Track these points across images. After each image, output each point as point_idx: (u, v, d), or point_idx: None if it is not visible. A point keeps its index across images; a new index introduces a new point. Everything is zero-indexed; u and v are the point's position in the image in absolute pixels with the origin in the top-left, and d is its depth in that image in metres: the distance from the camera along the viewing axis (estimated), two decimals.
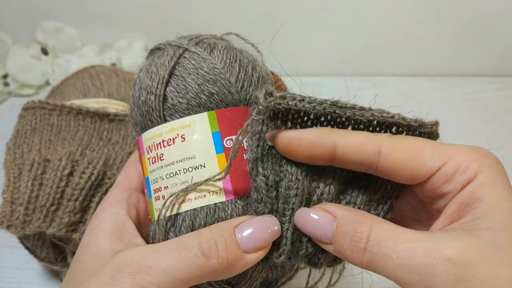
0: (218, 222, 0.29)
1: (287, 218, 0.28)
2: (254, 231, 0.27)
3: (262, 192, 0.28)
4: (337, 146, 0.25)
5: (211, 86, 0.31)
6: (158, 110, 0.31)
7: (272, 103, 0.26)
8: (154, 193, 0.31)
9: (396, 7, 0.70)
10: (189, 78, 0.31)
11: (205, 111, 0.31)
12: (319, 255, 0.28)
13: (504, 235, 0.22)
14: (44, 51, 0.72)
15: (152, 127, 0.32)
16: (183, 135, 0.31)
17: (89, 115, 0.48)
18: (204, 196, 0.30)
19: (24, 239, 0.43)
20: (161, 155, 0.31)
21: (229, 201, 0.30)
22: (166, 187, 0.31)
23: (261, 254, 0.27)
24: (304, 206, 0.28)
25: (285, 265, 0.31)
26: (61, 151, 0.44)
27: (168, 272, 0.24)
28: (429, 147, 0.25)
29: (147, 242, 0.30)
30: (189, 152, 0.31)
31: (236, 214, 0.29)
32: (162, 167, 0.31)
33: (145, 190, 0.33)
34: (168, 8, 0.70)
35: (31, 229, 0.40)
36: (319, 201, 0.27)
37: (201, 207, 0.29)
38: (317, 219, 0.26)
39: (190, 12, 0.70)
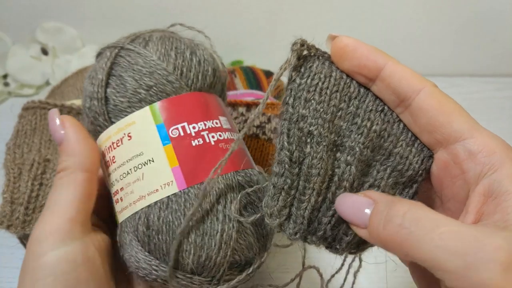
0: (172, 215, 0.29)
1: (307, 197, 0.27)
2: (50, 129, 0.32)
3: (285, 167, 0.27)
4: (386, 68, 0.26)
5: (148, 79, 0.31)
6: (103, 113, 0.31)
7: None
8: (114, 196, 0.31)
9: (396, 7, 0.70)
10: (126, 75, 0.31)
11: (147, 105, 0.31)
12: (341, 240, 0.27)
13: None
14: (44, 51, 0.72)
15: (101, 132, 0.32)
16: (129, 133, 0.31)
17: None
18: (156, 190, 0.30)
19: (24, 239, 0.43)
20: (113, 158, 0.31)
21: (182, 191, 0.29)
22: (121, 189, 0.31)
23: (69, 126, 0.31)
24: (326, 186, 0.27)
25: (253, 246, 0.31)
26: None
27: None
28: (462, 113, 0.25)
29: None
30: (137, 149, 0.31)
31: (189, 205, 0.29)
32: (115, 169, 0.31)
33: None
34: (168, 8, 0.70)
35: (31, 229, 0.40)
36: (340, 181, 0.27)
37: (155, 203, 0.29)
38: (357, 203, 0.25)
39: (190, 12, 0.70)
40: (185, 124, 0.31)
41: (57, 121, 0.31)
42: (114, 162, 0.31)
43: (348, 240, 0.27)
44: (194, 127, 0.32)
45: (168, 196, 0.29)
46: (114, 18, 0.72)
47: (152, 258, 0.29)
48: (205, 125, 0.32)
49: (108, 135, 0.32)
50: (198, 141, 0.31)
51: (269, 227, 0.31)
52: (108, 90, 0.31)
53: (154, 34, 0.35)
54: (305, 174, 0.27)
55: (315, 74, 0.28)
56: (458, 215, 0.25)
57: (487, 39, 0.73)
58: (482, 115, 0.67)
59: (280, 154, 0.27)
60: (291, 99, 0.27)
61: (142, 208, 0.29)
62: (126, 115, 0.31)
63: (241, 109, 0.51)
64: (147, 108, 0.31)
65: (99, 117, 0.32)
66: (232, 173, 0.31)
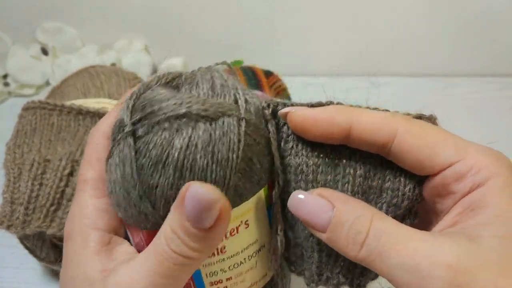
0: None
1: (309, 254, 0.27)
2: (191, 211, 0.23)
3: (284, 230, 0.28)
4: (352, 126, 0.24)
5: (267, 159, 0.26)
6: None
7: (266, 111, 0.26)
8: (211, 286, 0.27)
9: (396, 7, 0.70)
10: (254, 158, 0.25)
11: (260, 188, 0.26)
12: (359, 278, 0.27)
13: (506, 245, 0.21)
14: (44, 51, 0.72)
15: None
16: (247, 221, 0.26)
17: (89, 115, 0.48)
18: (266, 274, 0.29)
19: (24, 239, 0.43)
20: (223, 248, 0.26)
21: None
22: (229, 279, 0.27)
23: (222, 227, 0.23)
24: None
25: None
26: (61, 151, 0.44)
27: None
28: (446, 139, 0.24)
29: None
30: (252, 237, 0.27)
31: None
32: (223, 259, 0.27)
33: (189, 282, 0.27)
34: (168, 8, 0.70)
35: (31, 229, 0.40)
36: None
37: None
38: (312, 204, 0.24)
39: (190, 12, 0.70)
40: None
41: (216, 210, 0.22)
42: (223, 253, 0.26)
43: (366, 277, 0.27)
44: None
45: (272, 278, 0.29)
46: (114, 18, 0.72)
47: None
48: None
49: None
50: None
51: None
52: (236, 175, 0.24)
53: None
54: (302, 234, 0.27)
55: (288, 136, 0.27)
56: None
57: (487, 39, 0.73)
58: (482, 115, 0.68)
59: (281, 218, 0.28)
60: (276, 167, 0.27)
61: None
62: (241, 203, 0.26)
63: None
64: (261, 191, 0.27)
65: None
66: None
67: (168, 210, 0.23)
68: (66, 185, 0.41)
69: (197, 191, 0.21)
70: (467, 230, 0.22)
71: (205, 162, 0.23)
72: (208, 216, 0.22)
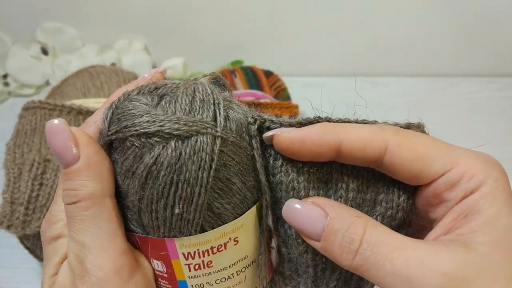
0: None
1: (304, 269, 0.27)
2: (53, 149, 0.25)
3: (279, 247, 0.28)
4: (342, 144, 0.24)
5: (252, 179, 0.27)
6: (196, 221, 0.25)
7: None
8: None
9: (396, 7, 0.70)
10: (235, 178, 0.25)
11: (252, 205, 0.27)
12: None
13: (500, 251, 0.21)
14: (44, 51, 0.72)
15: (186, 235, 0.26)
16: (236, 237, 0.27)
17: (89, 115, 0.48)
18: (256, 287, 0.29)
19: (24, 239, 0.43)
20: (209, 262, 0.26)
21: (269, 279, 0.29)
22: None
23: (84, 150, 0.24)
24: (320, 256, 0.26)
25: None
26: None
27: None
28: (437, 148, 0.24)
29: None
30: (242, 253, 0.27)
31: None
32: (210, 273, 0.27)
33: None
34: (168, 8, 0.70)
35: (31, 229, 0.40)
36: None
37: None
38: (306, 212, 0.24)
39: (190, 12, 0.70)
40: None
41: (68, 137, 0.24)
42: (209, 267, 0.27)
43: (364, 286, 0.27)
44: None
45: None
46: (114, 18, 0.72)
47: None
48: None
49: (207, 239, 0.26)
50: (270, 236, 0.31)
51: None
52: (212, 195, 0.25)
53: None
54: (296, 250, 0.27)
55: (276, 154, 0.26)
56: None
57: (487, 39, 0.73)
58: (482, 115, 0.68)
59: (274, 235, 0.28)
60: (263, 184, 0.26)
61: None
62: (227, 222, 0.26)
63: None
64: (253, 208, 0.27)
65: (188, 223, 0.25)
66: None
67: (138, 216, 0.25)
68: None
69: (47, 125, 0.24)
70: (462, 237, 0.22)
71: (169, 178, 0.23)
72: (62, 145, 0.24)
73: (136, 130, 0.24)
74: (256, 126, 0.26)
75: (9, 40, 0.72)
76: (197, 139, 0.24)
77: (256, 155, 0.26)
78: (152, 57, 0.75)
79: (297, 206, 0.25)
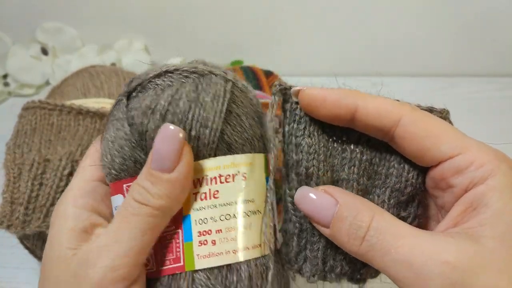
0: (275, 284, 0.27)
1: (316, 238, 0.27)
2: (157, 149, 0.25)
3: (290, 212, 0.28)
4: (358, 109, 0.25)
5: (259, 128, 0.29)
6: (211, 145, 0.27)
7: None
8: (199, 236, 0.26)
9: (396, 7, 0.70)
10: (244, 117, 0.28)
11: (257, 153, 0.28)
12: (360, 270, 0.27)
13: (505, 246, 0.21)
14: (44, 51, 0.72)
15: (197, 159, 0.27)
16: (245, 173, 0.27)
17: (89, 115, 0.48)
18: (260, 245, 0.27)
19: (24, 239, 0.43)
20: (216, 192, 0.27)
21: (271, 256, 0.28)
22: (219, 231, 0.26)
23: (184, 166, 0.25)
24: None
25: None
26: (61, 151, 0.44)
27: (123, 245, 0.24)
28: (449, 133, 0.24)
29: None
30: (250, 194, 0.27)
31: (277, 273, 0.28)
32: (215, 206, 0.27)
33: (177, 230, 0.27)
34: (168, 8, 0.70)
35: (31, 229, 0.40)
36: None
37: (255, 260, 0.27)
38: (318, 200, 0.25)
39: (190, 12, 0.70)
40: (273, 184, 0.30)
41: (179, 149, 0.25)
42: (215, 197, 0.27)
43: (367, 270, 0.27)
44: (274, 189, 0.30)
45: (265, 256, 0.27)
46: (114, 18, 0.72)
47: None
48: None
49: (217, 165, 0.27)
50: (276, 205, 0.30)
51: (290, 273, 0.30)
52: (225, 125, 0.27)
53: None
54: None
55: (300, 118, 0.27)
56: None
57: (487, 39, 0.73)
58: (482, 115, 0.68)
59: (285, 200, 0.28)
60: (284, 146, 0.28)
61: (240, 262, 0.26)
62: (231, 153, 0.27)
63: None
64: (262, 155, 0.28)
65: (203, 147, 0.26)
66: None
67: None
68: (66, 185, 0.41)
69: (164, 127, 0.25)
70: (469, 230, 0.22)
71: (187, 105, 0.26)
72: (169, 151, 0.24)
73: (156, 72, 0.27)
74: (279, 87, 0.28)
75: (9, 40, 0.72)
76: (211, 76, 0.28)
77: (270, 107, 0.27)
78: (152, 57, 0.75)
79: (310, 194, 0.26)
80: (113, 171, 0.27)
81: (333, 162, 0.27)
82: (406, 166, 0.26)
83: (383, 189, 0.27)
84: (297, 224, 0.28)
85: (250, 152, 0.28)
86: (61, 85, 0.57)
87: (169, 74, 0.27)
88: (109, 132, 0.28)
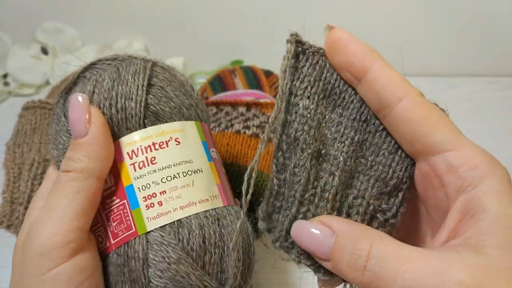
0: (224, 229, 0.29)
1: (289, 205, 0.27)
2: (70, 118, 0.28)
3: (273, 173, 0.27)
4: (372, 70, 0.25)
5: (187, 98, 0.32)
6: (138, 115, 0.30)
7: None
8: (145, 201, 0.28)
9: (396, 7, 0.70)
10: (168, 89, 0.31)
11: (188, 121, 0.31)
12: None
13: (509, 254, 0.20)
14: (44, 51, 0.72)
15: (129, 132, 0.30)
16: (177, 138, 0.30)
17: None
18: (207, 200, 0.30)
19: None
20: (153, 159, 0.29)
21: (225, 207, 0.31)
22: (163, 192, 0.29)
23: (97, 125, 0.28)
24: (309, 197, 0.26)
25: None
26: None
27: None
28: (447, 125, 0.24)
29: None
30: (186, 156, 0.30)
31: (232, 221, 0.30)
32: (155, 171, 0.29)
33: (123, 201, 0.29)
34: (168, 8, 0.70)
35: None
36: (323, 192, 0.26)
37: (204, 213, 0.29)
38: (314, 233, 0.24)
39: (190, 12, 0.70)
40: (215, 150, 0.33)
41: (85, 112, 0.28)
42: (153, 163, 0.29)
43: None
44: (218, 155, 0.33)
45: (215, 209, 0.30)
46: (114, 18, 0.72)
47: (204, 274, 0.28)
48: (217, 154, 0.34)
49: (148, 135, 0.29)
50: (222, 168, 0.33)
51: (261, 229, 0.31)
52: (148, 96, 0.30)
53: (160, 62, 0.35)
54: (288, 181, 0.27)
55: (305, 76, 0.27)
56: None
57: (487, 39, 0.73)
58: (482, 115, 0.68)
59: (274, 156, 0.27)
60: (282, 104, 0.27)
61: (189, 217, 0.28)
62: (160, 123, 0.30)
63: (241, 109, 0.51)
64: (192, 122, 0.32)
65: (131, 118, 0.30)
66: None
67: None
68: None
69: (70, 97, 0.28)
70: (471, 240, 0.21)
71: (110, 84, 0.30)
72: (77, 116, 0.27)
73: (83, 67, 0.32)
74: (296, 39, 0.28)
75: (9, 40, 0.72)
76: (131, 60, 0.32)
77: (286, 58, 0.28)
78: (152, 57, 0.75)
79: (306, 226, 0.25)
80: (58, 163, 0.30)
81: (325, 133, 0.26)
82: (396, 157, 0.26)
83: (368, 176, 0.26)
84: (275, 187, 0.27)
85: (180, 120, 0.31)
86: (61, 85, 0.57)
87: (94, 66, 0.32)
88: (51, 129, 0.32)
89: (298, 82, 0.27)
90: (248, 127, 0.49)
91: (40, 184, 0.42)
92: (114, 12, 0.71)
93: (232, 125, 0.50)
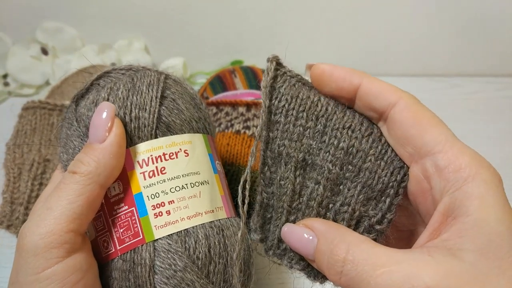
0: (227, 240, 0.30)
1: (278, 215, 0.28)
2: (93, 121, 0.28)
3: (261, 186, 0.29)
4: (362, 86, 0.26)
5: (197, 111, 0.33)
6: (151, 126, 0.30)
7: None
8: (154, 209, 0.29)
9: (396, 6, 0.70)
10: (180, 102, 0.32)
11: (197, 133, 0.32)
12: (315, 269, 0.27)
13: (486, 259, 0.20)
14: (44, 51, 0.72)
15: (141, 142, 0.30)
16: (186, 150, 0.31)
17: None
18: (212, 211, 0.30)
19: None
20: (162, 168, 0.30)
21: (228, 219, 0.31)
22: (171, 202, 0.29)
23: (116, 135, 0.28)
24: (296, 206, 0.28)
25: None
26: None
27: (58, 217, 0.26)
28: (438, 126, 0.24)
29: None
30: (194, 168, 0.31)
31: (234, 232, 0.31)
32: (164, 180, 0.30)
33: (131, 209, 0.29)
34: (168, 8, 0.70)
35: None
36: (309, 201, 0.27)
37: (210, 224, 0.30)
38: (300, 235, 0.26)
39: (190, 12, 0.70)
40: (219, 162, 0.34)
41: (109, 120, 0.28)
42: (163, 173, 0.30)
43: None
44: (221, 167, 0.34)
45: (219, 220, 0.30)
46: (114, 18, 0.72)
47: (208, 283, 0.29)
48: (221, 167, 0.35)
49: (159, 145, 0.30)
50: (225, 180, 0.34)
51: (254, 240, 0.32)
52: (161, 108, 0.31)
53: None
54: (276, 193, 0.28)
55: (282, 96, 0.28)
56: None
57: (487, 39, 0.73)
58: (482, 115, 0.68)
59: (260, 172, 0.29)
60: (262, 122, 0.28)
61: (195, 226, 0.29)
62: (171, 134, 0.31)
63: (241, 109, 0.51)
64: (200, 135, 0.32)
65: (144, 128, 0.30)
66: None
67: None
68: None
69: (100, 104, 0.29)
70: (449, 243, 0.21)
71: (125, 94, 0.30)
72: (101, 121, 0.28)
73: (97, 74, 0.32)
74: (274, 64, 0.29)
75: (9, 40, 0.72)
76: (145, 71, 0.32)
77: (266, 76, 0.29)
78: (152, 57, 0.75)
79: (293, 229, 0.27)
80: (67, 167, 0.30)
81: (310, 143, 0.27)
82: (382, 163, 0.26)
83: (355, 183, 0.27)
84: (265, 200, 0.29)
85: (190, 132, 0.32)
86: (61, 85, 0.57)
87: (108, 74, 0.32)
88: (62, 134, 0.32)
89: (277, 102, 0.28)
90: (248, 127, 0.49)
91: (40, 184, 0.42)
92: (114, 12, 0.71)
93: (232, 125, 0.50)
